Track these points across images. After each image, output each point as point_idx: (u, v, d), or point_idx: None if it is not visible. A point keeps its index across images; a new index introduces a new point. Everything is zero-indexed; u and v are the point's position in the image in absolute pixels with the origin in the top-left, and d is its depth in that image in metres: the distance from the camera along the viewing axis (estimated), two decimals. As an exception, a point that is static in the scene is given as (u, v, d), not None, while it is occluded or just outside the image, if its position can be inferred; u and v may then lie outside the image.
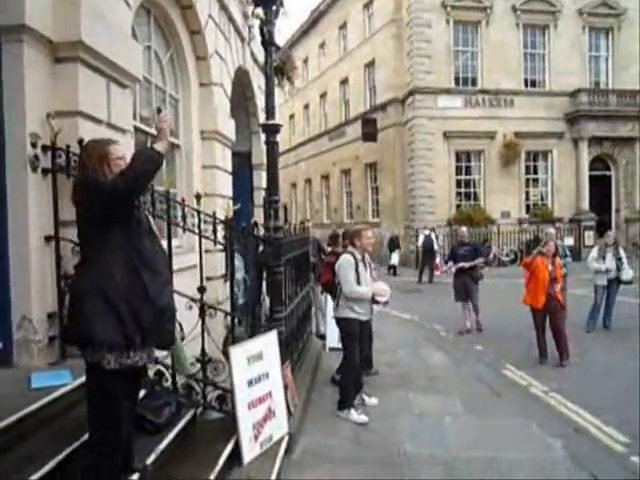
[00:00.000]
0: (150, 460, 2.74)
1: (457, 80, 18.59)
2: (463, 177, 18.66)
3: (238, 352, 3.39)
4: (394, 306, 10.05)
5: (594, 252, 8.03)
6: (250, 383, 3.45)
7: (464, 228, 9.09)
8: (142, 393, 3.28)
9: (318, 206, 26.79)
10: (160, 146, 2.33)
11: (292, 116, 30.01)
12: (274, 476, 3.19)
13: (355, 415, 4.53)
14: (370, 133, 19.40)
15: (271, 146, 4.19)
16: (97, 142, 2.51)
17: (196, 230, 3.62)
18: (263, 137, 9.95)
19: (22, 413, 2.59)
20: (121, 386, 2.32)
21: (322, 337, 7.19)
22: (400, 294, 11.07)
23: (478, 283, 8.17)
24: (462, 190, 18.66)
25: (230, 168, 7.58)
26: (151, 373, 3.49)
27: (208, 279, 6.06)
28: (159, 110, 2.49)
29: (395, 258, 16.85)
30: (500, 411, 4.85)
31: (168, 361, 3.49)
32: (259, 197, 10.17)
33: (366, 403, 4.93)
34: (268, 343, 3.70)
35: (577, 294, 9.52)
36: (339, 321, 4.73)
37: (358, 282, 4.50)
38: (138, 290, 2.31)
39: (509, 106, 18.43)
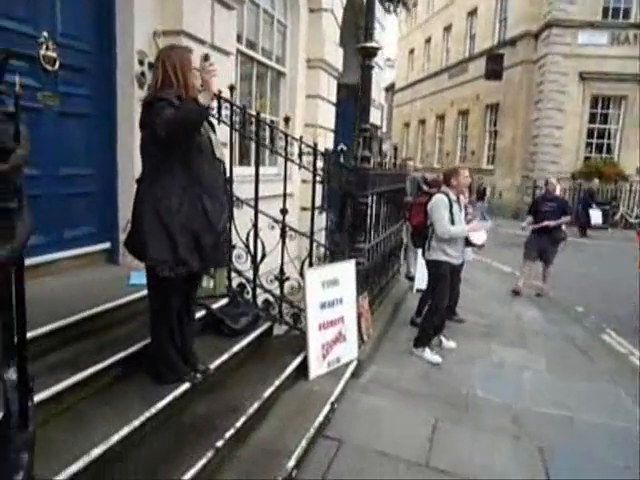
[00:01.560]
0: (222, 359, 3.02)
1: (605, 11, 16.11)
2: (597, 126, 16.61)
3: (313, 275, 3.50)
4: (494, 258, 9.66)
5: None
6: (323, 306, 3.58)
7: (554, 180, 7.66)
8: (225, 301, 3.59)
9: (430, 149, 25.74)
10: (203, 98, 2.29)
11: (412, 51, 28.50)
12: (336, 393, 3.34)
13: (429, 354, 4.53)
14: (495, 70, 17.83)
15: (366, 70, 4.02)
16: (173, 48, 2.57)
17: (296, 160, 3.66)
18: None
19: (118, 302, 2.98)
20: (175, 289, 2.51)
21: (411, 279, 7.14)
22: (502, 247, 10.50)
23: (558, 245, 7.21)
24: (594, 141, 16.68)
25: (334, 99, 7.51)
26: (235, 284, 3.78)
27: (303, 209, 6.27)
28: (206, 58, 2.35)
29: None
30: (587, 374, 4.54)
31: (250, 275, 3.74)
32: (364, 132, 10.00)
33: (443, 345, 4.89)
34: (345, 271, 3.77)
35: None
36: (429, 263, 4.61)
37: (452, 223, 4.33)
38: (199, 215, 2.42)
39: (667, 44, 15.71)
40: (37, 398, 2.09)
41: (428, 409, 3.58)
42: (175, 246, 2.39)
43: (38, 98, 3.18)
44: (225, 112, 3.57)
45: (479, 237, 4.43)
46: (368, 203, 3.94)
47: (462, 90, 21.66)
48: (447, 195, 4.39)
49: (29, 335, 2.33)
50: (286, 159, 3.69)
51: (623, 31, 15.97)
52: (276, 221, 3.61)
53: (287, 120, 3.66)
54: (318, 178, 3.86)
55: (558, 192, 7.95)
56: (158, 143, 2.33)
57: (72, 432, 2.12)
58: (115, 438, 2.12)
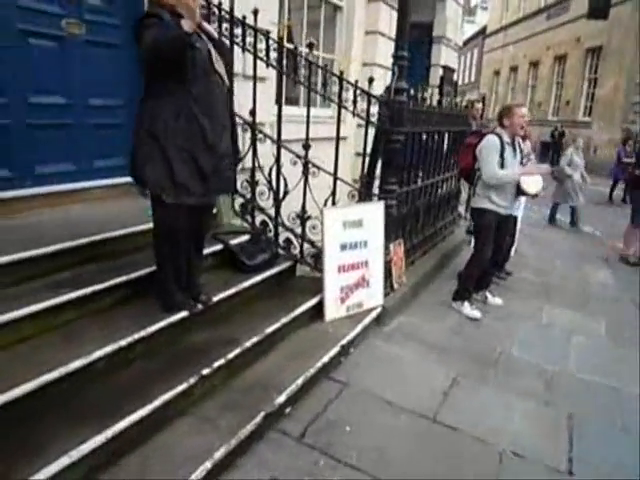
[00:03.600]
0: (229, 293, 2.99)
1: None
2: None
3: (332, 214, 3.32)
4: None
5: None
6: (343, 247, 3.41)
7: None
8: (245, 238, 3.54)
9: (520, 99, 23.71)
10: (186, 24, 2.14)
11: (509, -11, 25.96)
12: (350, 337, 3.22)
13: (468, 308, 4.24)
14: (600, 8, 15.67)
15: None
16: None
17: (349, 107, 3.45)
18: (451, 3, 8.83)
19: (131, 230, 3.03)
20: (180, 219, 2.45)
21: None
22: (588, 205, 9.50)
23: None
24: None
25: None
26: (257, 221, 3.71)
27: (358, 155, 5.99)
28: None
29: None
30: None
31: (272, 212, 3.64)
32: (435, 76, 9.32)
33: (488, 302, 4.55)
34: (371, 213, 3.55)
35: None
36: (473, 211, 4.25)
37: (502, 169, 3.90)
38: (196, 135, 2.31)
39: None
40: (29, 310, 2.18)
41: (452, 364, 3.35)
42: (171, 170, 2.31)
43: (62, 26, 3.20)
44: (249, 39, 3.39)
45: (534, 184, 3.94)
46: (402, 141, 3.61)
47: (560, 32, 19.50)
48: (499, 137, 3.93)
49: (32, 254, 2.44)
50: (318, 97, 3.46)
51: None
52: (298, 157, 3.44)
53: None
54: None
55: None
56: (145, 62, 2.25)
57: (59, 345, 2.20)
58: (97, 354, 2.16)
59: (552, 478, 2.36)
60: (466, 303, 4.27)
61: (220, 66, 2.46)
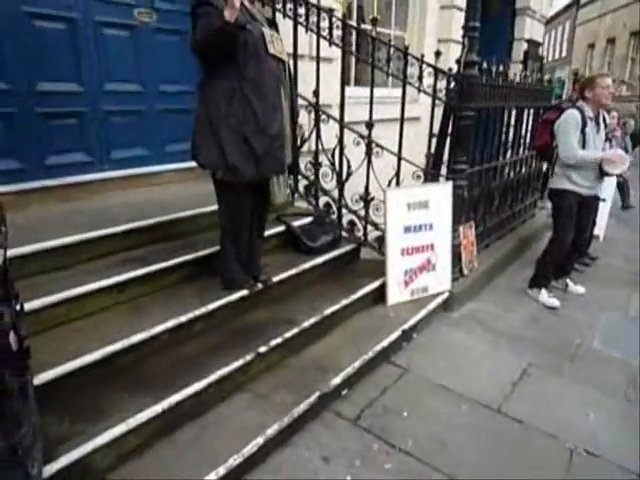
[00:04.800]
0: (290, 274, 2.99)
1: None
2: None
3: (396, 195, 3.21)
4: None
5: None
6: (407, 229, 3.29)
7: None
8: (309, 219, 3.54)
9: (618, 73, 21.63)
10: (227, 13, 2.12)
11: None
12: (412, 321, 3.12)
13: (545, 296, 3.95)
14: None
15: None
16: None
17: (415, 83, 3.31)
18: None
19: (200, 211, 3.12)
20: (240, 199, 2.49)
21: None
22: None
23: None
24: None
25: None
26: (321, 204, 3.69)
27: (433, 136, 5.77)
28: None
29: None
30: None
31: (336, 195, 3.60)
32: (518, 51, 8.71)
33: (569, 290, 4.22)
34: (438, 194, 3.39)
35: None
36: (551, 192, 3.93)
37: (583, 146, 3.57)
38: (249, 118, 2.31)
39: None
40: (98, 285, 2.32)
41: (523, 354, 3.15)
42: (223, 151, 2.34)
43: (134, 15, 3.34)
44: (313, 19, 3.34)
45: (616, 166, 3.56)
46: (472, 117, 3.39)
47: (668, -5, 17.46)
48: (581, 111, 3.58)
49: (104, 232, 2.59)
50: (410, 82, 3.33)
51: None
52: (362, 136, 3.36)
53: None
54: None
55: None
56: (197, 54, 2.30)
57: (124, 319, 2.32)
58: (158, 328, 2.25)
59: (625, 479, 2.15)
60: (543, 291, 3.98)
61: (277, 46, 2.44)
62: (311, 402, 2.27)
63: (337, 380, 2.45)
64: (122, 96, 3.37)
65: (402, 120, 3.38)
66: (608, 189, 4.88)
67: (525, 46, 8.67)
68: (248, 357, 2.32)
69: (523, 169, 5.05)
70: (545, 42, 18.84)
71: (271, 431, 2.05)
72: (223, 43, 2.20)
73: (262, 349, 2.40)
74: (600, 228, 5.36)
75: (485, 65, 3.59)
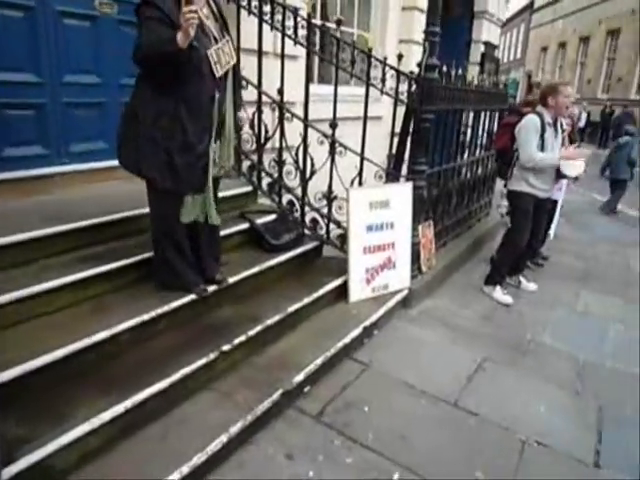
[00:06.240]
0: (251, 272, 3.00)
1: None
2: None
3: (358, 194, 3.28)
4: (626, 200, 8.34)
5: None
6: (370, 228, 3.36)
7: None
8: (272, 217, 3.55)
9: (569, 77, 22.60)
10: (180, 40, 2.05)
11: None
12: (373, 318, 3.20)
13: (499, 293, 4.13)
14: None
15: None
16: None
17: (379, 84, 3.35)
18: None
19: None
20: (162, 201, 2.43)
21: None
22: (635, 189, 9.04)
23: None
24: None
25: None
26: (285, 201, 3.70)
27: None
28: (187, 1, 2.04)
29: None
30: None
31: (299, 192, 3.62)
32: (476, 53, 8.96)
33: (522, 287, 4.43)
34: (399, 194, 3.47)
35: None
36: (509, 194, 4.09)
37: (542, 151, 3.72)
38: (177, 134, 2.26)
39: None
40: (59, 282, 2.27)
41: (478, 349, 3.29)
42: (138, 160, 2.31)
43: (95, 5, 3.24)
44: (278, 17, 3.34)
45: (574, 168, 3.74)
46: (432, 119, 3.50)
47: (615, 5, 18.37)
48: (541, 116, 3.74)
49: (61, 229, 2.53)
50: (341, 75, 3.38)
51: None
52: (325, 136, 3.40)
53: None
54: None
55: None
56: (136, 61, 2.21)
57: (87, 317, 2.27)
58: (122, 327, 2.22)
59: (577, 469, 2.29)
60: (498, 288, 4.16)
61: (224, 58, 2.34)
62: (274, 400, 2.30)
63: (300, 377, 2.49)
64: (82, 88, 3.26)
65: (365, 121, 3.43)
66: (559, 192, 5.12)
67: (482, 48, 8.94)
68: (212, 355, 2.33)
69: (480, 169, 5.23)
70: (501, 44, 19.43)
71: (235, 429, 2.07)
72: (170, 65, 2.14)
73: (226, 347, 2.41)
74: (551, 227, 5.62)
75: (445, 69, 3.69)
